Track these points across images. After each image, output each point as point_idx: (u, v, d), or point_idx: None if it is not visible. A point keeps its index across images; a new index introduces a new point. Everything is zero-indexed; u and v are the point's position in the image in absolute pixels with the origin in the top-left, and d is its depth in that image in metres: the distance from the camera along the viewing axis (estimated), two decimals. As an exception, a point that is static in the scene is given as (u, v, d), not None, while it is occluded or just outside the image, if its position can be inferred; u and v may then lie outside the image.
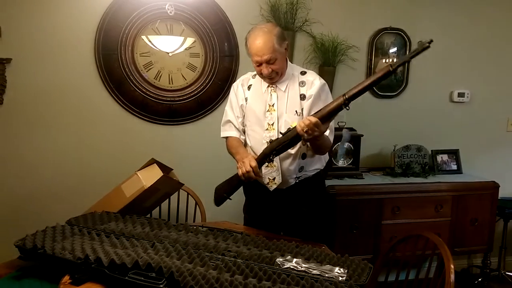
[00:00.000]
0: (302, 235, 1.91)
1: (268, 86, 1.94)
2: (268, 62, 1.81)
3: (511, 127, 3.24)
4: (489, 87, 3.14)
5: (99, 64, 2.53)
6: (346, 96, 1.62)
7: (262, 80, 1.95)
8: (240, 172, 1.79)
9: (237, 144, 1.99)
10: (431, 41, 1.45)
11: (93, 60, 2.53)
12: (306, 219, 2.02)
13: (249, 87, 2.00)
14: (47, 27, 2.45)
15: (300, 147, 1.90)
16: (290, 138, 1.73)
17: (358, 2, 2.85)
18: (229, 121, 2.04)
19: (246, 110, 1.99)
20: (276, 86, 1.93)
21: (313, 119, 1.62)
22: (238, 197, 2.18)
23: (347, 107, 1.63)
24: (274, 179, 1.95)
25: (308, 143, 1.84)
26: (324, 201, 2.14)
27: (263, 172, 1.92)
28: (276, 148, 1.77)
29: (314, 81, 1.91)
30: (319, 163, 2.04)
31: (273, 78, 1.88)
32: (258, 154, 1.89)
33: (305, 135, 1.65)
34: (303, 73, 1.96)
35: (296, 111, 1.90)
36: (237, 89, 2.03)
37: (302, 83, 1.93)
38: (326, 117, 1.65)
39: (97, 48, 2.51)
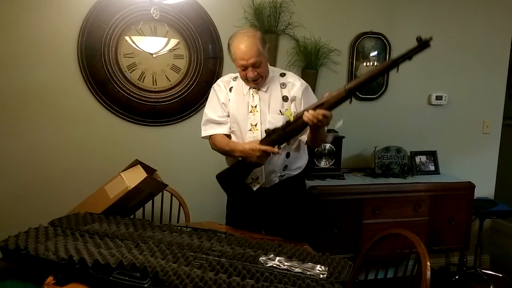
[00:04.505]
0: (284, 234, 1.94)
1: (250, 88, 1.97)
2: (254, 65, 1.85)
3: (487, 129, 3.34)
4: (466, 90, 3.24)
5: (82, 65, 2.51)
6: (346, 88, 1.67)
7: (245, 83, 1.98)
8: (254, 160, 1.83)
9: (227, 140, 1.99)
10: (431, 38, 1.49)
11: (76, 61, 2.51)
12: (289, 218, 2.06)
13: (230, 89, 2.02)
14: (29, 27, 2.43)
15: (285, 145, 1.93)
16: (296, 128, 1.78)
17: (340, 7, 2.91)
18: (211, 120, 2.02)
19: (230, 111, 2.01)
20: (259, 89, 1.96)
21: (325, 112, 1.68)
22: (222, 197, 2.21)
23: (350, 100, 1.69)
24: (257, 178, 1.98)
25: (296, 140, 1.95)
26: (305, 201, 2.19)
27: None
28: (281, 139, 1.82)
29: (295, 83, 1.98)
30: (301, 161, 2.08)
31: (258, 81, 1.92)
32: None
33: (317, 125, 1.70)
34: (282, 74, 2.02)
35: (280, 111, 1.95)
36: (220, 89, 2.03)
37: (283, 85, 1.99)
38: (329, 108, 1.70)
39: (80, 49, 2.50)
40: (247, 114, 1.96)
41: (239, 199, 2.11)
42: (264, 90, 1.97)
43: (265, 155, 1.83)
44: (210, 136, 2.03)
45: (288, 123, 1.78)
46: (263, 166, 1.93)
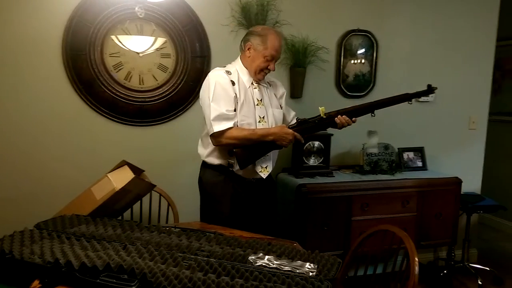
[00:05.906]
0: (269, 225, 2.13)
1: (252, 82, 2.09)
2: (276, 60, 2.06)
3: (473, 125, 3.38)
4: (452, 87, 3.27)
5: (67, 65, 2.48)
6: (372, 102, 2.14)
7: (246, 77, 2.08)
8: (285, 142, 2.02)
9: (249, 129, 2.02)
10: (436, 88, 2.21)
11: (61, 61, 2.48)
12: (271, 208, 2.26)
13: (233, 83, 2.05)
14: (13, 27, 2.38)
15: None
16: (324, 125, 2.10)
17: (327, 5, 2.91)
18: (223, 114, 1.97)
19: (239, 105, 2.04)
20: (259, 83, 2.12)
21: (355, 119, 2.10)
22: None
23: (372, 114, 2.15)
24: (266, 167, 2.10)
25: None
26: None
27: (255, 162, 2.09)
28: (308, 130, 2.09)
29: (276, 82, 2.27)
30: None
31: (265, 75, 2.12)
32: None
33: (343, 127, 2.10)
34: None
35: (280, 105, 2.19)
36: (226, 81, 2.01)
37: (269, 84, 2.21)
38: (355, 115, 2.13)
39: (65, 48, 2.46)
40: (254, 106, 2.07)
41: (229, 193, 2.13)
42: (265, 85, 2.15)
43: (293, 140, 2.04)
44: (224, 130, 1.97)
45: (321, 118, 2.05)
46: (271, 155, 2.10)
